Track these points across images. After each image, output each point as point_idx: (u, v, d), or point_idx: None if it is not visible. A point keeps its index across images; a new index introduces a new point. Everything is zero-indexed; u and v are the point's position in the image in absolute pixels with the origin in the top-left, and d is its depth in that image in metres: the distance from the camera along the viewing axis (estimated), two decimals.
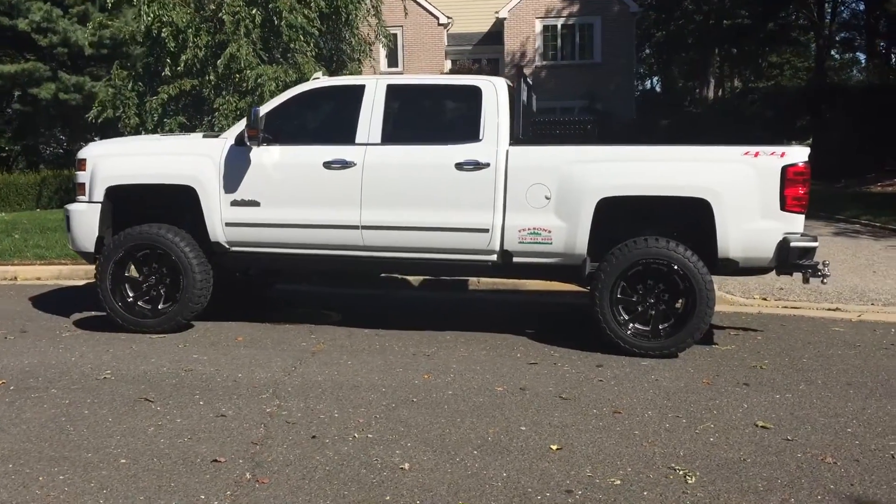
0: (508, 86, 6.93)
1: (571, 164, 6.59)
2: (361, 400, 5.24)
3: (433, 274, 7.86)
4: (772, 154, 6.38)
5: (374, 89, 6.94)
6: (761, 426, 4.88)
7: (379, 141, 6.85)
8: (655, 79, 55.71)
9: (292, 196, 6.92)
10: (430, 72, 30.52)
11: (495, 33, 31.91)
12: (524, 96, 7.15)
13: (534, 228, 6.64)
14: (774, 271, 6.82)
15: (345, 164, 6.81)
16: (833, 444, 4.59)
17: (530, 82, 7.87)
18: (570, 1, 30.94)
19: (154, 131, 14.80)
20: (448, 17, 31.69)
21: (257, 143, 6.78)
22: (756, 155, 6.40)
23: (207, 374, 5.80)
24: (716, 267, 6.56)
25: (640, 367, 6.17)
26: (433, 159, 6.75)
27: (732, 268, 6.59)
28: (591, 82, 30.25)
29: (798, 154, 6.40)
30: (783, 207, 6.38)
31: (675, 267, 6.40)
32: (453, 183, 6.70)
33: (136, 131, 15.38)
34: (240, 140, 6.90)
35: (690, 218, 6.56)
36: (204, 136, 7.34)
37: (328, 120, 7.26)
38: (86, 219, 7.17)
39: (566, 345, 6.78)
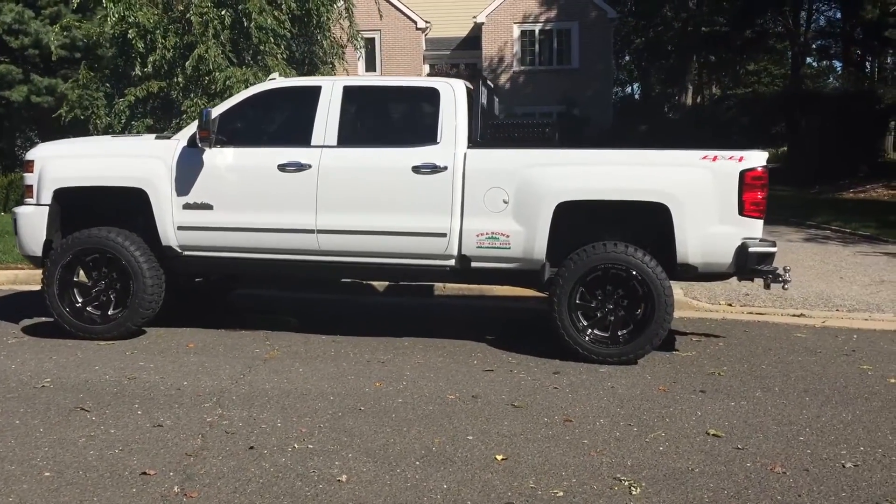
0: (467, 88, 6.82)
1: (529, 167, 6.48)
2: (307, 409, 5.10)
3: (391, 279, 7.73)
4: (730, 158, 6.31)
5: (331, 90, 6.80)
6: (713, 434, 4.78)
7: (335, 143, 6.72)
8: (636, 85, 55.87)
9: (246, 199, 6.77)
10: (406, 76, 30.42)
11: (473, 38, 31.88)
12: (484, 99, 7.04)
13: (492, 233, 6.53)
14: (735, 277, 6.76)
15: (300, 167, 6.67)
16: (784, 453, 4.50)
17: (491, 84, 7.77)
18: (547, 6, 30.94)
19: (122, 133, 14.57)
20: (426, 22, 31.61)
21: (209, 144, 6.63)
22: (714, 159, 6.32)
23: (151, 382, 5.64)
24: (675, 272, 6.47)
25: (597, 375, 6.06)
26: (390, 162, 6.62)
27: (692, 273, 6.51)
28: (568, 88, 30.26)
29: (756, 158, 6.33)
30: (741, 212, 6.30)
31: (634, 272, 6.30)
32: (410, 186, 6.58)
33: (105, 133, 15.14)
34: (192, 141, 6.75)
35: (650, 223, 6.47)
36: (156, 138, 7.18)
37: (284, 121, 7.13)
38: (33, 222, 6.99)
39: (526, 351, 6.67)
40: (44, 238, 6.97)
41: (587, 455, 4.42)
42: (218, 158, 6.79)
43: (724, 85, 52.06)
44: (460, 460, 4.30)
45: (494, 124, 6.77)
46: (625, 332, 6.42)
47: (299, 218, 6.69)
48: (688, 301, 9.07)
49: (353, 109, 6.86)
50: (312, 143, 6.73)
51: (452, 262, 6.66)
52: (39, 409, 5.00)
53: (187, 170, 6.80)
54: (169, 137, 7.07)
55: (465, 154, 6.57)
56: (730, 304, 9.12)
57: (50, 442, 4.45)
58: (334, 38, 17.00)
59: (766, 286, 6.89)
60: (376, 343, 6.93)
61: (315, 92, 6.83)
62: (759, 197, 6.32)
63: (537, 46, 31.20)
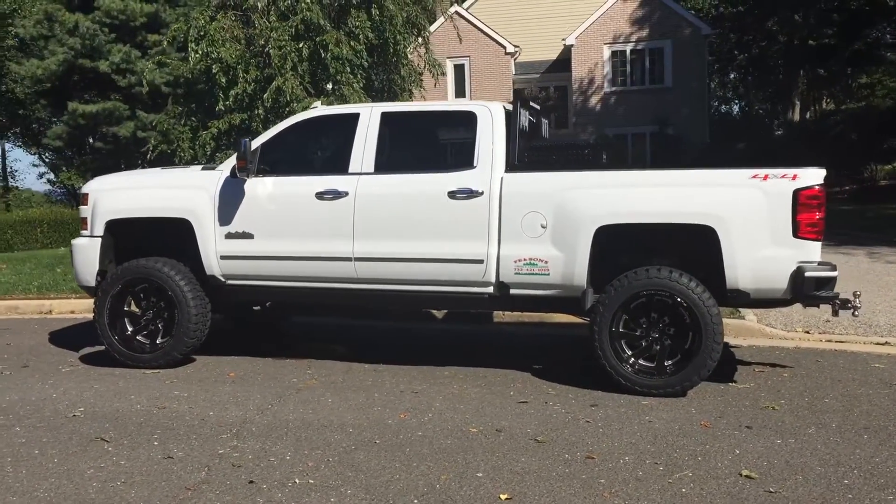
0: (506, 110, 6.65)
1: (567, 190, 6.25)
2: (322, 441, 4.99)
3: (430, 307, 7.59)
4: (783, 177, 5.91)
5: (369, 117, 6.76)
6: (746, 476, 4.42)
7: (372, 170, 6.66)
8: (736, 103, 54.25)
9: (285, 228, 6.78)
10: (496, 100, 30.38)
11: (563, 61, 31.61)
12: (525, 121, 6.85)
13: (530, 259, 6.31)
14: (801, 304, 6.34)
15: (337, 195, 6.63)
16: (821, 498, 4.12)
17: (537, 106, 7.56)
18: (639, 25, 30.41)
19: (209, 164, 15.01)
20: (515, 46, 31.56)
21: (246, 174, 6.67)
22: (765, 178, 5.94)
23: (179, 412, 5.65)
24: (726, 299, 6.10)
25: (637, 408, 5.75)
26: (426, 188, 6.51)
27: (744, 300, 6.12)
28: (661, 107, 29.60)
29: (812, 176, 5.91)
30: (796, 234, 5.89)
31: (679, 299, 5.97)
32: (446, 212, 6.44)
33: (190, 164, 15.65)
34: (234, 172, 6.80)
35: (698, 247, 6.13)
36: (203, 168, 7.28)
37: (323, 150, 7.13)
38: (87, 253, 7.18)
39: (569, 382, 6.40)
40: (97, 268, 7.15)
41: (599, 496, 4.15)
42: (259, 188, 6.83)
43: (837, 99, 49.87)
44: (461, 499, 4.10)
45: (533, 147, 6.56)
46: (671, 362, 6.08)
47: (337, 246, 6.64)
48: (760, 328, 8.58)
49: (391, 136, 6.78)
50: (350, 171, 6.68)
51: (491, 289, 6.46)
52: (62, 439, 5.07)
53: (229, 200, 6.87)
54: (214, 168, 7.15)
55: (501, 178, 6.39)
56: (807, 332, 8.56)
57: (59, 473, 4.48)
58: (412, 66, 17.08)
59: (834, 313, 6.44)
60: (417, 372, 6.79)
61: (353, 119, 6.80)
62: (816, 217, 5.89)
63: (629, 66, 30.66)
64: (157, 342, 7.02)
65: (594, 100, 30.78)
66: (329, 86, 15.57)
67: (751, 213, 5.92)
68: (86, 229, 7.25)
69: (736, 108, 54.72)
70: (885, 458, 4.70)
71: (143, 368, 6.93)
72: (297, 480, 4.33)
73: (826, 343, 8.09)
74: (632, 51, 30.64)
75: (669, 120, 29.45)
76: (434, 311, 9.34)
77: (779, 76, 42.28)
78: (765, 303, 6.31)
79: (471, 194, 6.38)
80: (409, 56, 17.55)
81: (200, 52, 14.60)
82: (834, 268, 6.01)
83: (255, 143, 6.93)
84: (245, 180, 6.81)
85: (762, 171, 5.97)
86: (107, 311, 7.01)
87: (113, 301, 7.02)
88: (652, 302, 6.08)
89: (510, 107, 6.76)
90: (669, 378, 6.01)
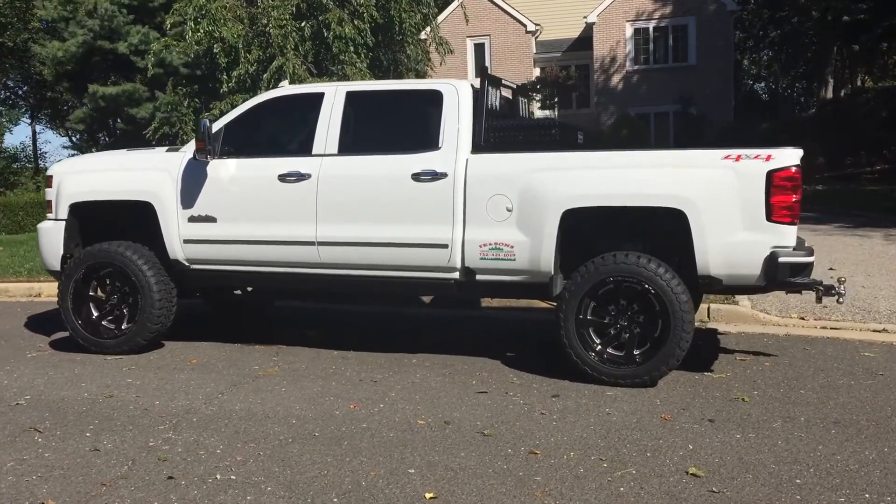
0: (474, 89, 6.39)
1: (533, 172, 5.99)
2: (260, 433, 4.82)
3: (395, 293, 7.36)
4: (755, 157, 5.61)
5: (333, 97, 6.54)
6: (692, 473, 4.18)
7: (336, 151, 6.45)
8: (763, 82, 53.09)
9: (248, 211, 6.60)
10: (516, 80, 30.00)
11: (585, 39, 31.08)
12: (495, 100, 6.58)
13: (495, 243, 6.07)
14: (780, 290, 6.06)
15: (300, 177, 6.44)
16: (767, 499, 3.87)
17: (513, 85, 7.29)
18: (662, 2, 29.79)
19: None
20: (536, 25, 31.09)
21: (205, 156, 6.49)
22: (738, 159, 5.64)
23: (124, 401, 5.52)
24: (698, 285, 5.82)
25: (600, 399, 5.51)
26: (389, 170, 6.29)
27: (716, 286, 5.84)
28: (685, 86, 29.03)
29: (788, 157, 5.60)
30: (770, 218, 5.58)
31: (647, 286, 5.70)
32: (410, 195, 6.22)
33: None
34: (195, 153, 6.62)
35: (669, 231, 5.85)
36: (167, 150, 7.11)
37: (287, 130, 6.91)
38: (52, 237, 7.06)
39: (537, 370, 6.17)
40: (61, 252, 7.03)
41: (530, 495, 3.93)
42: (221, 170, 6.65)
43: (875, 77, 48.55)
44: (384, 498, 3.90)
45: (498, 126, 6.29)
46: (640, 351, 5.82)
47: (300, 230, 6.45)
48: (753, 314, 8.27)
49: (356, 116, 6.55)
50: (314, 152, 6.48)
51: (457, 274, 6.24)
52: None
53: (192, 182, 6.70)
54: (178, 150, 6.98)
55: (466, 160, 6.15)
56: (802, 318, 8.24)
57: None
58: (420, 44, 16.80)
59: (818, 300, 6.16)
60: (384, 359, 6.61)
61: (318, 98, 6.59)
62: (791, 200, 5.58)
63: (651, 44, 30.08)
64: (122, 328, 6.89)
65: (616, 79, 30.25)
66: (332, 66, 15.36)
67: (722, 196, 5.63)
68: (51, 212, 7.12)
69: (756, 87, 53.57)
70: (847, 455, 4.43)
71: (107, 354, 6.81)
72: (218, 476, 4.16)
73: (820, 330, 7.77)
74: (655, 28, 30.04)
75: (693, 99, 28.88)
76: (422, 297, 9.15)
77: (812, 53, 41.23)
78: (739, 289, 6.04)
79: (435, 176, 6.15)
80: (417, 36, 17.25)
81: (201, 31, 14.42)
82: (810, 253, 5.71)
83: (219, 124, 6.76)
84: (207, 162, 6.64)
85: (735, 152, 5.67)
86: (70, 295, 6.90)
87: (76, 285, 6.90)
88: (620, 289, 5.82)
89: (479, 85, 6.49)
90: (637, 368, 5.76)
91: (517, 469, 4.26)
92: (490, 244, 6.08)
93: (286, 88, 6.97)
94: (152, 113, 29.60)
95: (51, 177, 7.15)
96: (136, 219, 6.91)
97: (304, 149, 6.52)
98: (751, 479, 4.11)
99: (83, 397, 5.61)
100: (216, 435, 4.80)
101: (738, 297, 8.51)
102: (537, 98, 29.62)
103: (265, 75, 14.29)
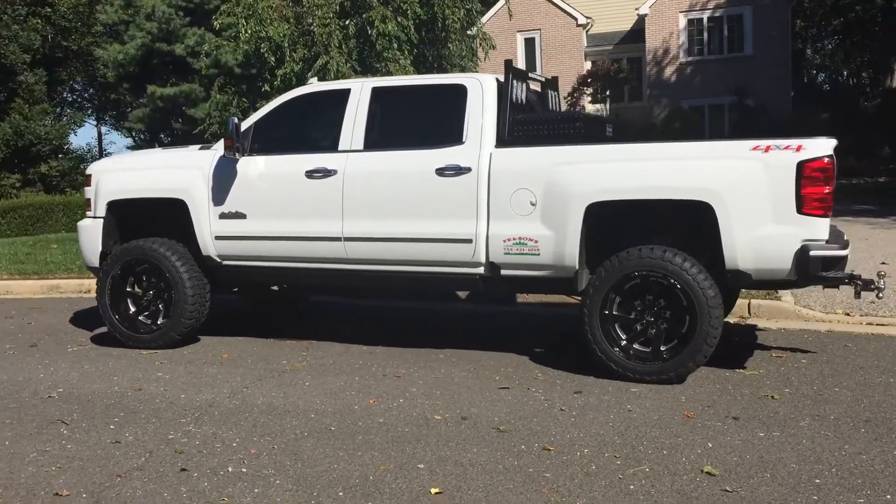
0: (498, 83, 6.34)
1: (557, 166, 5.92)
2: (278, 427, 4.86)
3: (422, 288, 7.34)
4: (786, 148, 5.45)
5: (360, 93, 6.56)
6: (706, 472, 4.09)
7: (361, 147, 6.47)
8: (832, 70, 51.65)
9: (276, 207, 6.66)
10: (568, 74, 29.77)
11: (637, 31, 30.65)
12: (520, 94, 6.52)
13: (519, 238, 6.03)
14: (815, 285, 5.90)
15: (326, 173, 6.48)
16: (781, 499, 3.76)
17: (542, 79, 7.22)
18: None
19: None
20: (587, 18, 30.78)
21: (233, 153, 6.57)
22: (767, 149, 5.48)
23: (152, 394, 5.62)
24: (726, 280, 5.69)
25: (623, 395, 5.43)
26: (413, 165, 6.28)
27: (745, 281, 5.70)
28: (740, 77, 28.41)
29: (819, 147, 5.43)
30: (801, 210, 5.42)
31: (672, 280, 5.59)
32: (434, 190, 6.21)
33: None
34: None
35: (696, 225, 5.73)
36: (200, 148, 7.21)
37: (314, 127, 6.94)
38: (91, 234, 7.23)
39: (564, 366, 6.11)
40: (100, 249, 7.19)
41: (537, 492, 3.89)
42: (251, 167, 6.73)
43: None
44: (389, 493, 3.90)
45: (522, 120, 6.23)
46: (667, 348, 5.71)
47: (326, 226, 6.49)
48: (796, 310, 8.05)
49: (382, 111, 6.56)
50: (340, 148, 6.51)
51: (482, 269, 6.21)
52: (24, 421, 5.08)
53: (223, 179, 6.79)
54: (210, 147, 7.08)
55: (490, 154, 6.11)
56: (847, 314, 7.99)
57: (3, 456, 4.47)
58: (463, 40, 16.76)
59: (856, 295, 5.99)
60: (411, 355, 6.61)
61: (344, 95, 6.62)
62: (823, 192, 5.42)
63: (706, 35, 29.51)
64: (158, 323, 7.02)
65: (669, 71, 29.78)
66: (378, 63, 15.42)
67: (751, 188, 5.49)
68: (90, 210, 7.29)
69: (817, 77, 52.14)
70: (874, 455, 4.28)
71: (144, 349, 6.94)
72: (230, 469, 4.21)
73: (865, 327, 7.54)
74: (709, 18, 29.47)
75: (749, 90, 28.26)
76: (457, 292, 9.13)
77: (876, 41, 39.99)
78: (771, 284, 5.88)
79: (459, 171, 6.13)
80: (468, 31, 17.21)
81: (248, 31, 14.61)
82: (844, 246, 5.53)
83: (249, 122, 6.85)
84: (238, 160, 6.72)
85: (764, 142, 5.52)
86: (108, 291, 7.05)
87: (114, 282, 7.05)
88: (647, 283, 5.72)
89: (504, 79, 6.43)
90: (663, 364, 5.66)
91: (528, 465, 4.22)
92: (514, 239, 6.03)
93: (314, 85, 7.01)
94: (208, 112, 30.23)
95: (90, 175, 7.32)
96: (171, 216, 7.02)
97: (331, 145, 6.55)
98: (768, 479, 4.00)
99: (113, 391, 5.73)
100: (235, 428, 4.86)
101: (780, 293, 8.31)
102: (588, 92, 29.33)
103: (309, 74, 14.38)
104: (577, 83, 29.25)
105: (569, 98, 29.58)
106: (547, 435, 4.67)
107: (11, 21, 32.16)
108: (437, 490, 3.91)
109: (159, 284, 7.01)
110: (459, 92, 6.29)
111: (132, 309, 7.11)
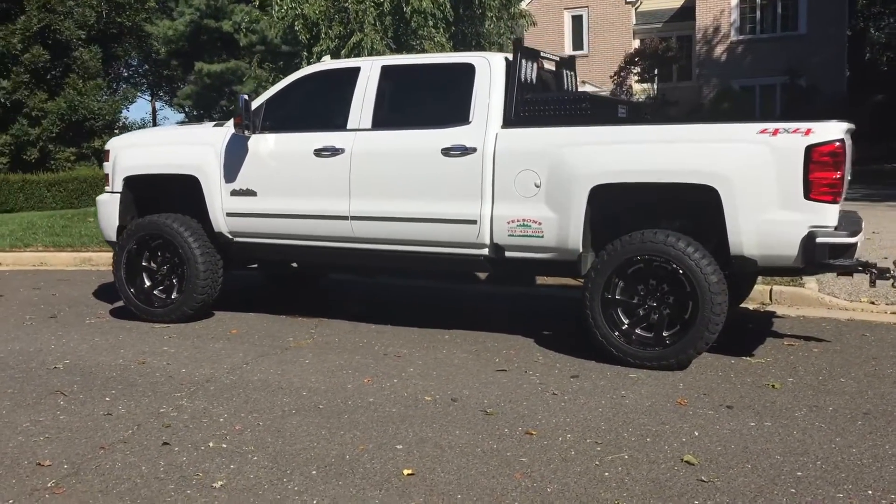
0: (507, 62, 6.27)
1: (561, 147, 5.84)
2: (268, 404, 4.91)
3: (427, 268, 7.31)
4: (794, 131, 5.30)
5: (369, 71, 6.54)
6: (685, 461, 4.02)
7: (370, 126, 6.46)
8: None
9: (286, 185, 6.70)
10: (615, 53, 29.35)
11: (687, 9, 30.03)
12: (530, 73, 6.43)
13: (523, 220, 5.97)
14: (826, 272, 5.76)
15: (334, 152, 6.49)
16: (756, 491, 3.68)
17: (556, 58, 7.11)
18: None
19: None
20: None
21: (243, 130, 6.61)
22: (775, 133, 5.34)
23: (154, 367, 5.72)
24: (731, 266, 5.57)
25: (620, 381, 5.36)
26: (419, 144, 6.25)
27: (751, 267, 5.56)
28: (793, 56, 27.67)
29: (830, 131, 5.26)
30: (808, 195, 5.28)
31: (675, 265, 5.49)
32: (440, 170, 6.18)
33: None
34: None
35: (701, 209, 5.61)
36: (214, 125, 7.27)
37: (325, 105, 6.93)
38: (109, 209, 7.36)
39: (567, 350, 6.06)
40: (117, 224, 7.32)
41: (509, 477, 3.87)
42: (261, 145, 6.77)
43: None
44: (362, 472, 3.91)
45: (529, 100, 6.14)
46: (669, 333, 5.62)
47: (334, 204, 6.51)
48: (819, 297, 7.86)
49: (390, 90, 6.53)
50: (348, 127, 6.51)
51: (486, 250, 6.17)
52: (25, 391, 5.21)
53: (234, 156, 6.85)
54: (224, 125, 7.14)
55: (496, 134, 6.05)
56: (872, 302, 7.78)
57: None
58: (502, 17, 16.59)
59: (871, 283, 5.84)
60: (418, 334, 6.62)
61: (354, 73, 6.60)
62: (832, 177, 5.26)
63: (758, 12, 28.77)
64: (172, 297, 7.12)
65: (719, 49, 29.13)
66: (413, 41, 15.36)
67: (757, 172, 5.35)
68: (108, 185, 7.41)
69: (887, 58, 50.42)
70: (864, 448, 4.17)
71: (157, 323, 7.06)
72: (211, 444, 4.26)
73: (890, 316, 7.34)
74: None
75: (802, 70, 27.50)
76: (479, 273, 9.10)
77: None
78: (774, 271, 5.74)
79: (464, 151, 6.08)
80: (507, 8, 17.04)
81: (285, 7, 14.66)
82: (854, 233, 5.37)
83: (261, 99, 6.89)
84: (249, 137, 6.76)
85: (772, 125, 5.37)
86: (123, 265, 7.18)
87: (129, 256, 7.17)
88: (651, 268, 5.63)
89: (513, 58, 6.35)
90: (664, 350, 5.58)
91: (506, 449, 4.20)
92: (518, 220, 5.98)
93: (325, 63, 7.01)
94: (255, 89, 30.52)
95: (108, 151, 7.44)
96: (185, 192, 7.10)
97: (340, 123, 6.55)
98: (748, 470, 3.92)
99: (117, 363, 5.84)
100: (226, 403, 4.92)
101: (805, 279, 8.12)
102: (635, 71, 28.87)
103: (343, 52, 14.41)
104: (623, 62, 28.82)
105: (615, 77, 29.20)
106: (533, 419, 4.64)
107: None
108: (409, 471, 3.91)
109: (173, 259, 7.11)
110: (468, 71, 6.23)
111: (147, 283, 7.23)
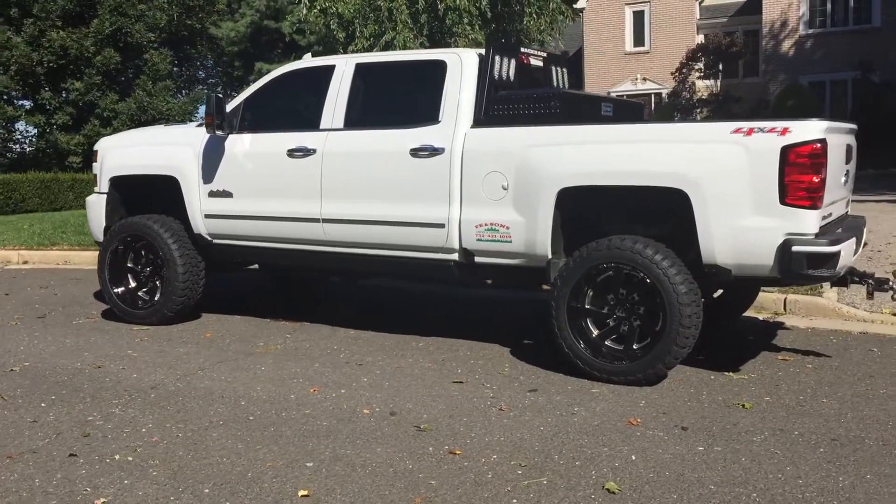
0: (480, 58, 5.99)
1: (529, 148, 5.54)
2: (198, 414, 4.75)
3: (400, 273, 7.05)
4: (770, 131, 4.89)
5: (343, 69, 6.35)
6: (606, 489, 3.70)
7: (342, 126, 6.27)
8: None
9: (260, 186, 6.56)
10: (677, 49, 28.57)
11: (753, 2, 29.02)
12: (506, 70, 6.13)
13: (491, 224, 5.69)
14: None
15: (306, 152, 6.32)
16: None
17: (544, 54, 6.78)
18: None
19: None
20: None
21: (213, 130, 6.49)
22: (749, 132, 4.94)
23: (108, 372, 5.63)
24: (705, 275, 5.18)
25: (579, 396, 5.04)
26: (388, 145, 6.03)
27: (725, 277, 5.15)
28: (866, 50, 26.49)
29: (809, 130, 4.84)
30: (784, 200, 4.86)
31: (642, 274, 5.14)
32: (409, 171, 5.94)
33: None
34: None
35: (673, 214, 5.25)
36: (198, 125, 7.18)
37: (301, 104, 6.77)
38: (96, 209, 7.35)
39: (539, 362, 5.76)
40: (104, 224, 7.30)
41: (408, 501, 3.61)
42: (237, 145, 6.65)
43: None
44: (255, 493, 3.71)
45: (498, 98, 5.84)
46: (639, 346, 5.27)
47: (306, 206, 6.34)
48: (836, 308, 7.35)
49: (363, 89, 6.32)
50: (321, 127, 6.34)
51: (456, 255, 5.91)
52: None
53: (212, 157, 6.74)
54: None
55: (465, 134, 5.79)
56: (894, 314, 7.23)
57: None
58: (543, 14, 16.22)
59: (869, 295, 5.42)
60: (392, 341, 6.41)
61: (329, 72, 6.42)
62: (812, 180, 4.83)
63: (829, 5, 27.59)
64: (156, 298, 7.06)
65: (787, 44, 28.05)
66: (450, 40, 15.12)
67: (730, 175, 4.96)
68: (97, 186, 7.40)
69: None
70: (815, 479, 3.78)
71: (138, 325, 7.01)
72: (117, 457, 4.12)
73: None
74: None
75: (875, 65, 26.31)
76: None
77: None
78: (755, 281, 5.33)
79: (433, 152, 5.84)
80: (548, 4, 16.65)
81: (318, 7, 14.60)
82: (835, 241, 4.91)
83: (239, 99, 6.77)
84: (226, 137, 6.65)
85: (746, 125, 4.98)
86: (107, 266, 7.14)
87: (114, 257, 7.14)
88: (621, 276, 5.28)
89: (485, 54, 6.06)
90: (630, 364, 5.23)
91: (421, 470, 3.94)
92: (486, 224, 5.70)
93: (303, 62, 6.85)
94: None
95: (96, 151, 7.43)
96: (167, 193, 7.03)
97: (313, 123, 6.38)
98: (672, 501, 3.59)
99: (74, 367, 5.77)
100: (158, 413, 4.78)
101: (823, 287, 7.62)
102: (697, 67, 28.02)
103: (374, 50, 14.27)
104: (685, 58, 28.00)
105: (675, 74, 28.40)
106: (466, 437, 4.37)
107: (138, 0, 33.48)
108: (305, 492, 3.69)
109: (156, 261, 7.04)
110: (439, 68, 5.98)
111: (133, 284, 7.18)
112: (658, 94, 30.14)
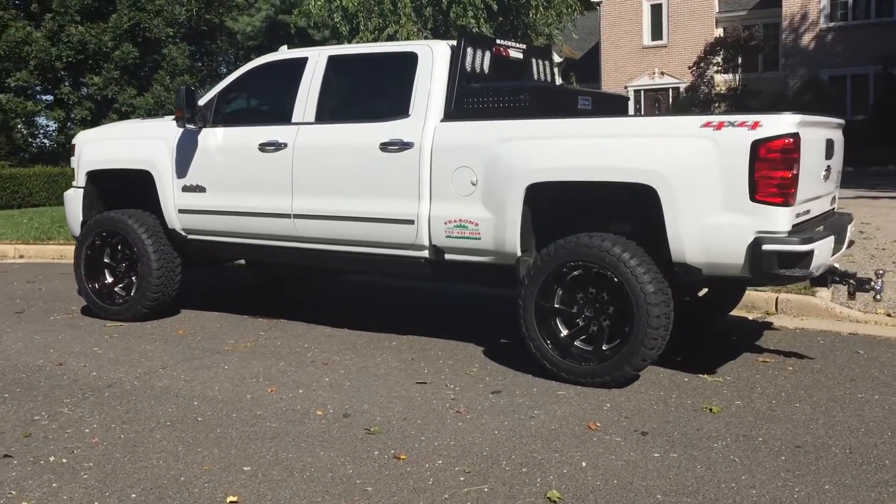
0: (452, 49, 5.83)
1: (498, 143, 5.37)
2: (146, 415, 4.64)
3: (372, 270, 6.89)
4: (740, 125, 4.69)
5: (316, 62, 6.22)
6: (548, 497, 3.54)
7: (313, 119, 6.14)
8: None
9: (232, 181, 6.45)
10: (696, 43, 28.19)
11: None
12: (479, 62, 5.96)
13: (460, 220, 5.54)
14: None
15: (277, 146, 6.19)
16: None
17: (522, 46, 6.60)
18: None
19: None
20: None
21: (183, 124, 6.39)
22: (719, 126, 4.74)
23: (67, 370, 5.54)
24: (674, 274, 5.00)
25: (543, 398, 4.88)
26: (358, 139, 5.89)
27: (696, 276, 4.96)
28: (888, 44, 25.95)
29: (780, 124, 4.64)
30: (754, 197, 4.66)
31: (609, 273, 4.96)
32: (378, 166, 5.80)
33: None
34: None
35: (643, 210, 5.06)
36: (172, 119, 7.07)
37: (273, 97, 6.64)
38: (74, 204, 7.28)
39: (510, 362, 5.60)
40: (80, 219, 7.22)
41: None
42: (210, 139, 6.54)
43: None
44: (184, 498, 3.59)
45: (468, 91, 5.68)
46: (609, 347, 5.10)
47: (277, 201, 6.22)
48: (829, 307, 7.12)
49: (335, 81, 6.17)
50: (293, 120, 6.21)
51: (426, 252, 5.77)
52: None
53: (185, 151, 6.64)
54: None
55: (434, 128, 5.63)
56: (889, 315, 6.99)
57: None
58: (550, 7, 16.00)
59: (850, 296, 5.22)
60: (365, 339, 6.28)
61: (301, 64, 6.29)
62: (784, 176, 4.63)
63: None
64: (132, 294, 6.97)
65: (807, 38, 27.57)
66: (455, 32, 14.94)
67: (700, 171, 4.77)
68: (75, 180, 7.33)
69: None
70: (770, 489, 3.60)
71: (113, 321, 6.93)
72: (52, 459, 4.01)
73: None
74: None
75: None
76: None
77: None
78: (729, 281, 5.13)
79: (402, 146, 5.69)
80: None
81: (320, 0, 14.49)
82: (808, 240, 4.71)
83: (213, 92, 6.65)
84: (199, 131, 6.54)
85: (717, 119, 4.78)
86: (83, 261, 7.07)
87: (90, 252, 7.06)
88: (590, 275, 5.11)
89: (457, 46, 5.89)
90: (596, 366, 5.05)
91: (360, 476, 3.80)
92: (455, 221, 5.55)
93: (276, 54, 6.71)
94: None
95: (74, 145, 7.36)
96: (143, 187, 6.94)
97: (285, 117, 6.26)
98: None
99: (36, 364, 5.69)
100: (106, 412, 4.68)
101: (816, 287, 7.38)
102: (715, 61, 27.62)
103: (377, 44, 14.12)
104: (703, 52, 27.61)
105: (694, 68, 28.02)
106: (415, 440, 4.22)
107: None
108: (233, 499, 3.57)
109: (132, 257, 6.96)
110: (410, 60, 5.83)
111: (109, 279, 7.10)
112: (676, 89, 29.77)
